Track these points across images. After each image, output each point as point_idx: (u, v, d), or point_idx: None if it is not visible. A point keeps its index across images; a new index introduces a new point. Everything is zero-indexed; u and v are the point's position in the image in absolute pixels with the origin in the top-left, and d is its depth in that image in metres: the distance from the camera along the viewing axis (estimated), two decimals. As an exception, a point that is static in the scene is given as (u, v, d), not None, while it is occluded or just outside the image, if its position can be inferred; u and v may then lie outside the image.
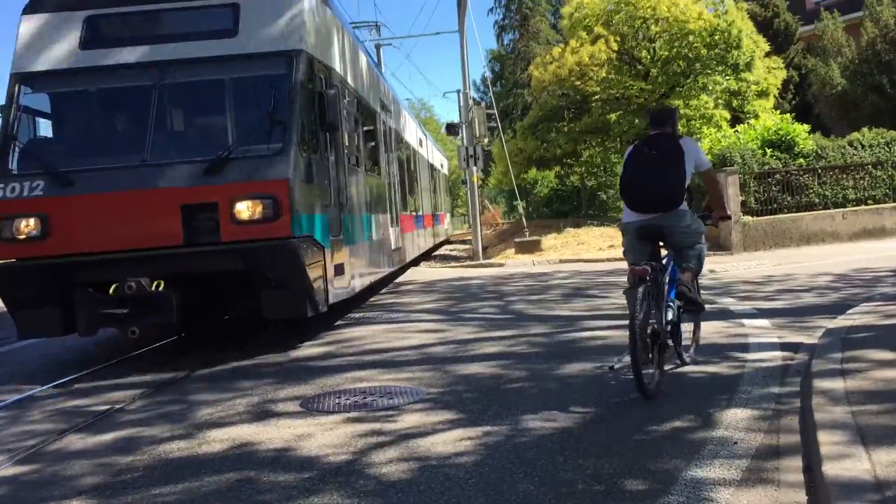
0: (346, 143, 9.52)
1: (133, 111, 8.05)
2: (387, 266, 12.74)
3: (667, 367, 5.68)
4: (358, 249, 9.94)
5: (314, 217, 7.86)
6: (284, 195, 7.26)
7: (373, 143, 12.17)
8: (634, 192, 5.70)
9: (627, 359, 5.26)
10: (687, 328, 6.16)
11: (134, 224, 7.27)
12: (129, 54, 7.91)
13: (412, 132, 19.83)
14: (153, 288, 7.14)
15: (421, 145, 22.02)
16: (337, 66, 9.31)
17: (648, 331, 5.22)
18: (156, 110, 7.71)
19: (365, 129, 11.43)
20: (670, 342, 5.62)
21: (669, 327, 5.55)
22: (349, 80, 10.24)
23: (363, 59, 12.10)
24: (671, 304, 5.61)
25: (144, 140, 7.55)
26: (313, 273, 7.62)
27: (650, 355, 5.24)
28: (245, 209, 7.24)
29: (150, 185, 7.34)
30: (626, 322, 5.12)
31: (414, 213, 18.21)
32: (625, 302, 5.44)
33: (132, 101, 8.04)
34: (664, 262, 5.72)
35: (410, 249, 16.86)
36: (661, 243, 5.77)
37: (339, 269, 8.55)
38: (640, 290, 5.18)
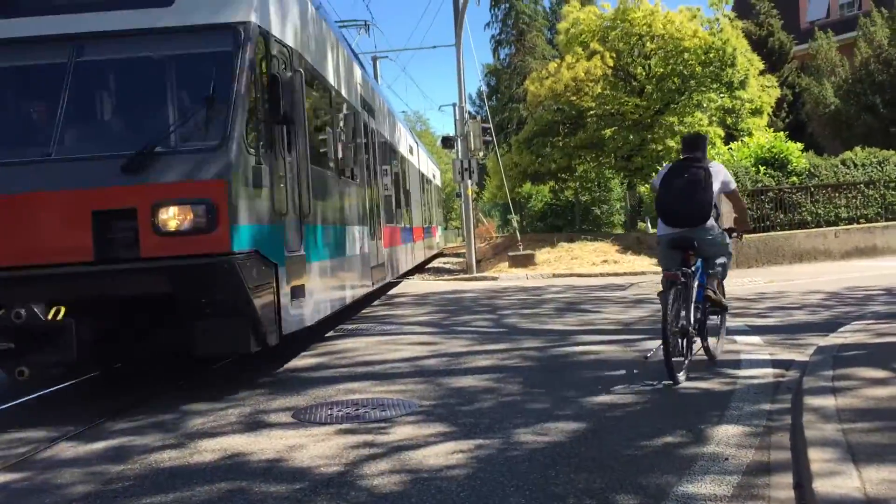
0: (313, 142, 8.04)
1: (40, 95, 6.63)
2: (365, 284, 10.99)
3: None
4: (325, 267, 8.31)
5: (263, 228, 6.44)
6: (222, 200, 5.86)
7: (351, 146, 10.62)
8: (668, 209, 6.57)
9: (660, 351, 6.02)
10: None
11: (32, 234, 5.88)
12: (39, 26, 6.45)
13: (402, 139, 18.59)
14: (49, 316, 5.73)
15: (412, 154, 20.88)
16: (301, 47, 7.73)
17: (678, 326, 6.09)
18: (68, 94, 6.29)
19: (341, 128, 9.85)
20: (697, 337, 6.47)
21: (697, 325, 6.38)
22: (319, 68, 8.69)
23: (341, 49, 10.47)
24: (699, 304, 6.47)
25: (52, 130, 6.18)
26: (260, 297, 6.19)
27: (680, 348, 6.10)
28: (171, 217, 5.83)
29: (55, 186, 5.91)
30: (619, 338, 5.51)
31: (402, 225, 16.75)
32: (618, 317, 5.90)
33: (40, 82, 6.66)
34: (693, 269, 6.46)
35: (396, 265, 15.40)
36: (691, 252, 6.51)
37: (298, 291, 7.10)
38: (672, 292, 6.05)
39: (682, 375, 6.01)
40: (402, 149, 18.35)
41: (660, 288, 6.29)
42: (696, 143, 6.85)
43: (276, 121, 6.74)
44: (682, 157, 6.83)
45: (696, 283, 6.40)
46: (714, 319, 6.98)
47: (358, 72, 11.93)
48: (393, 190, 15.49)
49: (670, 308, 5.95)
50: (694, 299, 6.31)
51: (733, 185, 6.88)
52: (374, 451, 4.63)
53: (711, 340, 6.84)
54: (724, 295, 6.88)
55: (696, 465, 4.08)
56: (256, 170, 6.36)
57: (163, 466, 4.57)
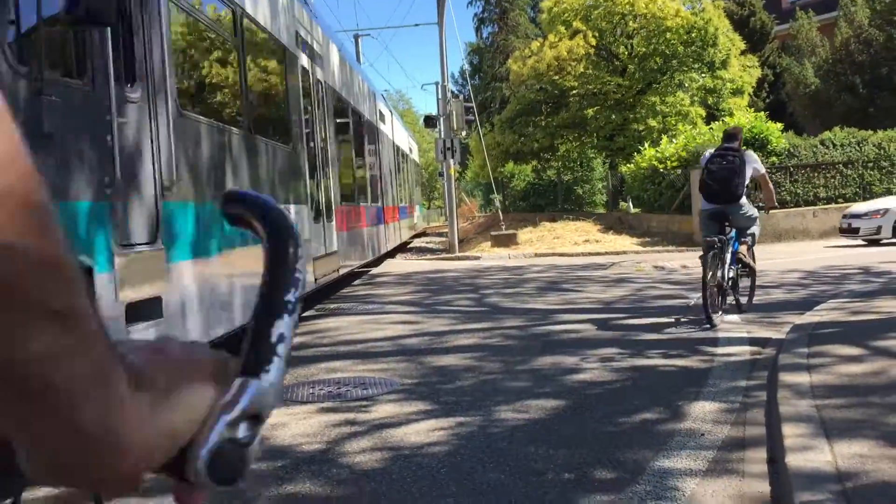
0: (191, 78, 5.90)
1: None
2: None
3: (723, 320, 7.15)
4: (209, 267, 5.68)
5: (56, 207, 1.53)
6: None
7: (276, 96, 8.23)
8: (709, 189, 7.88)
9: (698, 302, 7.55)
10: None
11: None
12: None
13: (369, 103, 15.86)
14: None
15: (383, 122, 18.27)
16: None
17: (715, 282, 7.52)
18: None
19: (257, 69, 7.48)
20: (730, 293, 7.93)
21: (730, 281, 7.84)
22: None
23: None
24: (732, 265, 7.88)
25: None
26: None
27: (716, 300, 7.55)
28: None
29: None
30: (600, 317, 6.28)
31: (367, 204, 14.15)
32: (599, 297, 6.76)
33: None
34: (728, 237, 7.82)
35: (361, 250, 13.03)
36: (727, 224, 7.88)
37: (148, 309, 4.58)
38: (710, 255, 7.44)
39: (717, 319, 7.41)
40: (369, 114, 15.67)
41: (642, 267, 7.17)
42: (733, 135, 8.28)
43: (76, 20, 3.91)
44: (722, 145, 8.18)
45: (730, 249, 7.82)
46: (745, 280, 8.36)
47: (293, 3, 9.05)
48: (354, 162, 13.28)
49: (709, 267, 7.34)
50: (728, 261, 7.75)
51: (763, 170, 8.26)
52: (356, 428, 4.66)
53: (742, 296, 8.27)
54: (753, 259, 8.33)
55: (672, 440, 4.14)
56: (34, 104, 3.69)
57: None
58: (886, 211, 16.65)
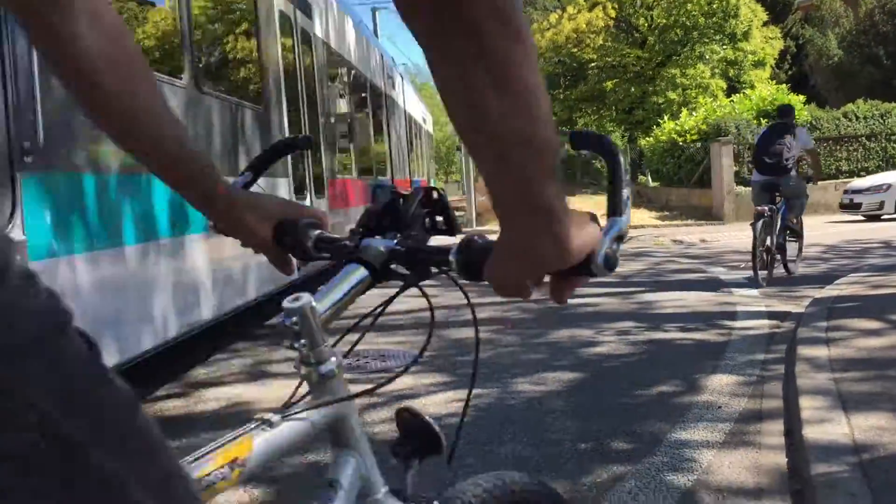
0: None
1: None
2: (264, 280, 6.42)
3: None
4: (102, 266, 3.94)
5: None
6: None
7: (240, 44, 6.90)
8: (762, 161, 8.63)
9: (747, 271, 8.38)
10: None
11: None
12: None
13: (375, 65, 14.02)
14: None
15: (393, 88, 16.61)
16: None
17: (764, 247, 8.25)
18: None
19: (203, 4, 6.03)
20: (778, 256, 8.66)
21: (778, 247, 8.55)
22: None
23: None
24: (781, 232, 8.58)
25: None
26: None
27: (765, 263, 8.29)
28: None
29: None
30: (617, 290, 7.31)
31: (371, 178, 12.31)
32: (616, 270, 6.52)
33: None
34: (777, 206, 8.52)
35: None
36: (777, 194, 8.57)
37: None
38: (760, 222, 8.14)
39: (764, 282, 8.11)
40: (378, 79, 14.21)
41: (660, 241, 7.77)
42: (787, 112, 9.01)
43: None
44: (776, 120, 8.96)
45: (779, 217, 8.52)
46: (792, 246, 9.01)
47: None
48: (358, 130, 11.43)
49: (759, 233, 8.06)
50: (777, 229, 8.44)
51: (812, 144, 9.08)
52: (375, 399, 4.71)
53: (790, 261, 8.94)
54: (801, 226, 9.09)
55: (689, 413, 4.16)
56: None
57: (167, 415, 4.66)
58: (889, 186, 16.44)
